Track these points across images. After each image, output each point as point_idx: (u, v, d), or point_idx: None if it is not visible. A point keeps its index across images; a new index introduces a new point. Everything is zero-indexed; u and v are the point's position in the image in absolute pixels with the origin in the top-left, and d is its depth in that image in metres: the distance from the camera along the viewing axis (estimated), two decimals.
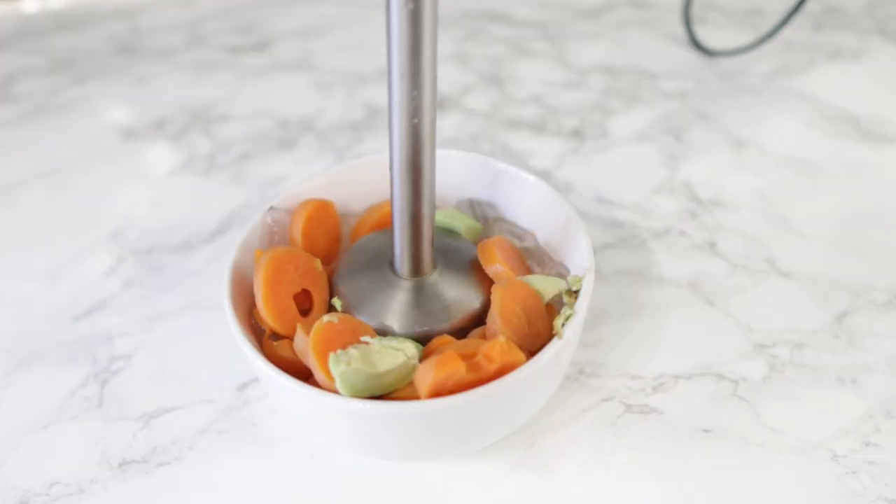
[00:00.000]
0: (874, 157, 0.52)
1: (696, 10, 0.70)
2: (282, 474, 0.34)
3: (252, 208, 0.50)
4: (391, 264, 0.34)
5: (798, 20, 0.68)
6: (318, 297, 0.35)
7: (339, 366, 0.28)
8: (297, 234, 0.37)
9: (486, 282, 0.35)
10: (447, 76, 0.64)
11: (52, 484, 0.34)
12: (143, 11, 0.77)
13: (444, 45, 0.69)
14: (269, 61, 0.68)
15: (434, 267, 0.34)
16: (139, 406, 0.38)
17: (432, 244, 0.33)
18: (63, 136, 0.59)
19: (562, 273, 0.36)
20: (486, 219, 0.40)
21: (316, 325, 0.30)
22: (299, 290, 0.34)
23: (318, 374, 0.30)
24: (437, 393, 0.28)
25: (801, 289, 0.42)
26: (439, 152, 0.40)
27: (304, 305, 0.34)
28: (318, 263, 0.35)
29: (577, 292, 0.33)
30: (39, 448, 0.36)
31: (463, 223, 0.38)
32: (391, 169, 0.30)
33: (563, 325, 0.31)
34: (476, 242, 0.37)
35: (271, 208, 0.37)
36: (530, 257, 0.38)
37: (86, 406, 0.38)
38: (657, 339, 0.39)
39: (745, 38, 0.66)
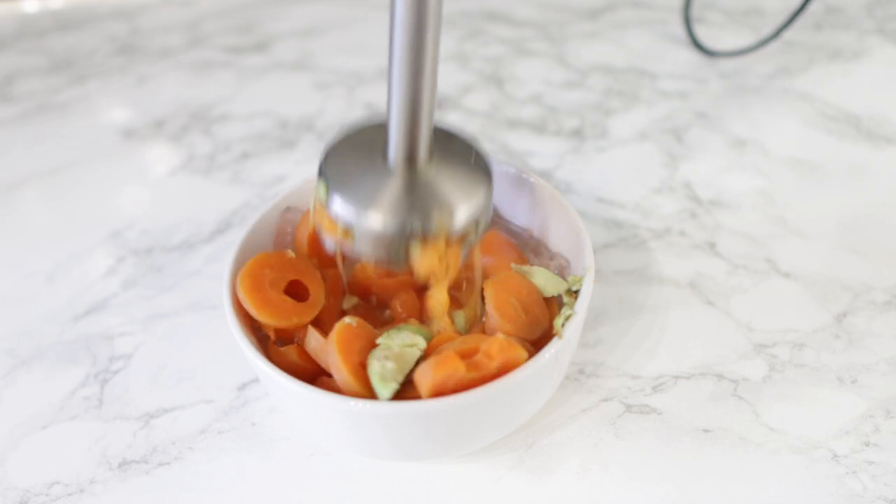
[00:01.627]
0: (874, 157, 0.52)
1: (696, 10, 0.70)
2: (282, 474, 0.34)
3: (252, 208, 0.50)
4: (384, 154, 0.31)
5: (798, 20, 0.68)
6: (312, 284, 0.35)
7: (379, 363, 0.29)
8: (303, 239, 0.37)
9: (485, 178, 0.32)
10: (447, 76, 0.64)
11: (52, 484, 0.34)
12: (142, 11, 0.77)
13: (445, 45, 0.69)
14: (268, 61, 0.68)
15: (431, 159, 0.31)
16: (139, 406, 0.38)
17: (429, 135, 0.30)
18: (63, 136, 0.59)
19: (562, 264, 0.36)
20: None
21: (337, 327, 0.31)
22: (286, 283, 0.34)
23: (341, 373, 0.30)
24: (438, 392, 0.28)
25: (801, 289, 0.42)
26: None
27: (303, 296, 0.34)
28: (290, 253, 0.35)
29: (577, 292, 0.33)
30: (39, 448, 0.36)
31: None
32: (390, 46, 0.28)
33: (563, 325, 0.31)
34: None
35: (288, 209, 0.37)
36: (528, 250, 0.38)
37: (86, 406, 0.38)
38: (657, 339, 0.39)
39: (745, 38, 0.66)
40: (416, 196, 0.30)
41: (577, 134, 0.56)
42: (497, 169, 0.39)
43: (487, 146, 0.55)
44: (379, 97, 0.62)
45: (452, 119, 0.58)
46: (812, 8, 0.70)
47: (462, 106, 0.60)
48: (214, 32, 0.73)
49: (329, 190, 0.31)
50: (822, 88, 0.60)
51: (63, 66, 0.68)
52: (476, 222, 0.32)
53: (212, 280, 0.45)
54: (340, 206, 0.30)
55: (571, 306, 0.32)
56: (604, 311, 0.41)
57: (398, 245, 0.30)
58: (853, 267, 0.43)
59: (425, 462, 0.34)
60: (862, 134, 0.55)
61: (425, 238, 0.30)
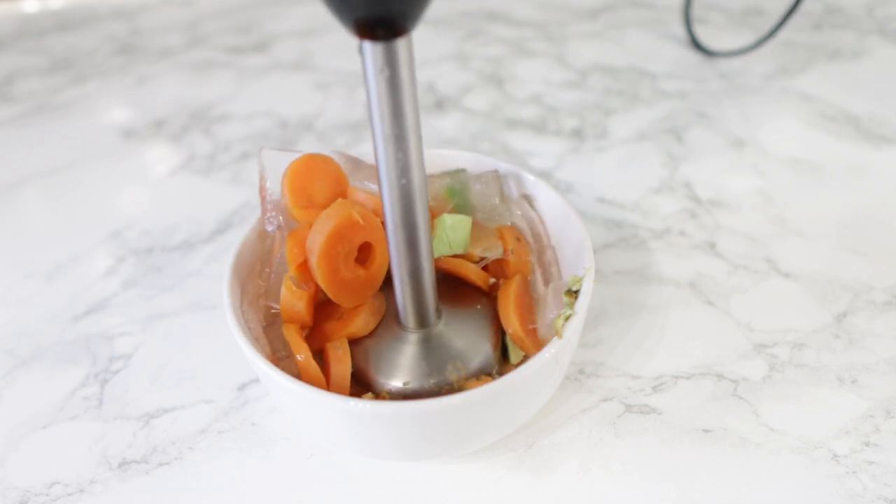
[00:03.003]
0: (874, 157, 0.52)
1: (696, 10, 0.70)
2: (282, 474, 0.34)
3: (252, 208, 0.50)
4: (396, 317, 0.34)
5: (798, 20, 0.68)
6: (377, 242, 0.34)
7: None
8: (287, 191, 0.34)
9: (493, 324, 0.35)
10: (447, 76, 0.64)
11: (52, 484, 0.34)
12: (142, 11, 0.77)
13: (445, 45, 0.69)
14: (268, 61, 0.68)
15: (439, 317, 0.34)
16: (139, 406, 0.38)
17: (435, 295, 0.33)
18: (63, 136, 0.59)
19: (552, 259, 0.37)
20: None
21: None
22: (355, 253, 0.33)
23: None
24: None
25: (801, 289, 0.42)
26: (440, 152, 0.40)
27: (365, 255, 0.34)
28: (356, 215, 0.33)
29: (577, 292, 0.33)
30: (39, 448, 0.36)
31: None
32: (386, 227, 0.30)
33: (563, 325, 0.31)
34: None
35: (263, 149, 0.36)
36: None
37: (86, 406, 0.38)
38: (657, 339, 0.39)
39: (745, 38, 0.66)
40: (431, 355, 0.33)
41: (577, 134, 0.56)
42: (496, 168, 0.40)
43: (487, 146, 0.55)
44: None
45: (452, 119, 0.58)
46: (812, 8, 0.70)
47: (462, 106, 0.60)
48: (214, 32, 0.73)
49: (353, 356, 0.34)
50: (821, 88, 0.60)
51: (63, 66, 0.68)
52: (485, 370, 0.34)
53: (212, 280, 0.45)
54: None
55: (571, 306, 0.32)
56: (604, 311, 0.41)
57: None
58: (853, 267, 0.43)
59: (425, 462, 0.34)
60: (862, 134, 0.55)
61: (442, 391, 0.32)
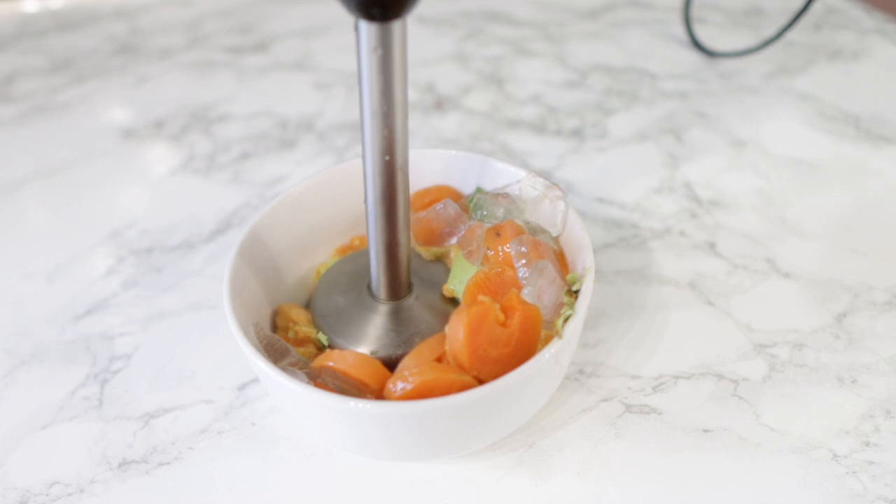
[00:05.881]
0: (874, 157, 0.52)
1: (696, 11, 0.70)
2: (281, 474, 0.34)
3: (252, 208, 0.50)
4: (369, 287, 0.35)
5: (799, 21, 0.68)
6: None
7: None
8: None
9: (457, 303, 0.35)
10: (447, 76, 0.64)
11: (52, 484, 0.34)
12: (142, 11, 0.77)
13: (445, 45, 0.69)
14: (269, 61, 0.68)
15: (410, 290, 0.35)
16: (139, 406, 0.38)
17: (408, 270, 0.34)
18: (63, 136, 0.59)
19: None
20: None
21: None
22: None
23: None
24: (474, 333, 0.30)
25: (801, 289, 0.42)
26: (440, 152, 0.40)
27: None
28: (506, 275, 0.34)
29: (577, 292, 0.33)
30: (39, 448, 0.36)
31: None
32: (366, 201, 0.31)
33: (563, 325, 0.31)
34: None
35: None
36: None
37: (86, 406, 0.38)
38: (657, 339, 0.39)
39: (745, 38, 0.66)
40: (400, 327, 0.34)
41: (577, 134, 0.56)
42: (497, 169, 0.40)
43: (487, 146, 0.55)
44: None
45: (452, 119, 0.58)
46: (812, 8, 0.70)
47: (462, 106, 0.60)
48: (214, 32, 0.73)
49: (321, 326, 0.35)
50: (821, 88, 0.60)
51: (63, 66, 0.68)
52: None
53: (212, 280, 0.45)
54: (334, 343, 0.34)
55: (571, 306, 0.32)
56: (604, 311, 0.41)
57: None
58: (853, 267, 0.43)
59: (425, 462, 0.34)
60: (862, 134, 0.55)
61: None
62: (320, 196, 0.39)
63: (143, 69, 0.67)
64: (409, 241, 0.33)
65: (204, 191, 0.52)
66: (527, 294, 0.32)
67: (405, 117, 0.28)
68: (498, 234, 0.35)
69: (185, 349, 0.40)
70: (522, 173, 0.39)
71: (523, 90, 0.62)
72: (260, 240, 0.37)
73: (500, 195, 0.38)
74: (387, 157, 0.29)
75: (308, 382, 0.30)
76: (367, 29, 0.25)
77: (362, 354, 0.32)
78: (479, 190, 0.40)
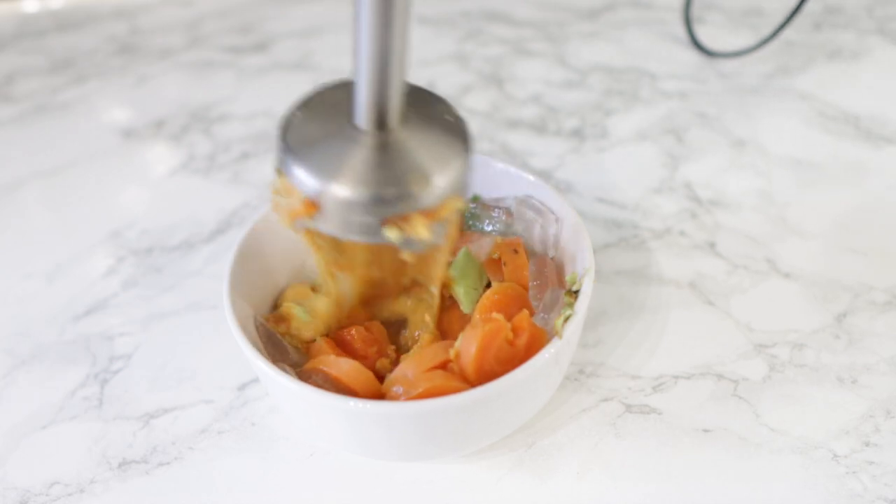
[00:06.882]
0: (874, 157, 0.52)
1: (696, 11, 0.70)
2: (281, 474, 0.34)
3: (252, 208, 0.50)
4: (351, 115, 0.28)
5: (798, 20, 0.68)
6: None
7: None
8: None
9: (463, 143, 0.29)
10: (447, 76, 0.64)
11: (52, 484, 0.34)
12: (142, 11, 0.77)
13: (444, 44, 0.69)
14: (269, 61, 0.68)
15: (404, 122, 0.28)
16: (139, 406, 0.38)
17: (401, 93, 0.27)
18: (63, 136, 0.59)
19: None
20: None
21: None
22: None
23: None
24: (485, 351, 0.30)
25: (801, 289, 0.42)
26: None
27: None
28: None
29: (577, 292, 0.33)
30: (39, 448, 0.36)
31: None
32: None
33: (563, 325, 0.31)
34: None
35: None
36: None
37: (86, 406, 0.38)
38: (657, 339, 0.39)
39: (745, 37, 0.66)
40: (390, 162, 0.27)
41: (577, 134, 0.56)
42: (497, 169, 0.40)
43: (487, 146, 0.55)
44: None
45: None
46: (812, 8, 0.70)
47: (462, 106, 0.60)
48: (214, 32, 0.73)
49: (290, 158, 0.27)
50: (821, 88, 0.60)
51: (63, 66, 0.68)
52: (456, 191, 0.28)
53: (212, 280, 0.45)
54: (304, 176, 0.27)
55: (571, 306, 0.32)
56: (604, 311, 0.41)
57: (372, 217, 0.27)
58: (853, 267, 0.43)
59: (425, 462, 0.34)
60: (862, 134, 0.55)
61: (401, 208, 0.27)
62: None
63: (143, 69, 0.67)
64: (406, 53, 0.26)
65: (204, 191, 0.52)
66: (538, 319, 0.33)
67: None
68: (515, 252, 0.36)
69: (185, 349, 0.40)
70: (523, 175, 0.39)
71: (523, 90, 0.62)
72: (260, 240, 0.37)
73: (497, 208, 0.38)
74: None
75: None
76: None
77: (357, 364, 0.31)
78: (475, 198, 0.39)
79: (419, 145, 0.28)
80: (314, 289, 0.37)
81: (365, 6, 0.24)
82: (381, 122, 0.27)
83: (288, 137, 0.28)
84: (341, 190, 0.26)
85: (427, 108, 0.30)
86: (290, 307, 0.36)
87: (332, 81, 0.30)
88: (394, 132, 0.28)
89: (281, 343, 0.34)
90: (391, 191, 0.27)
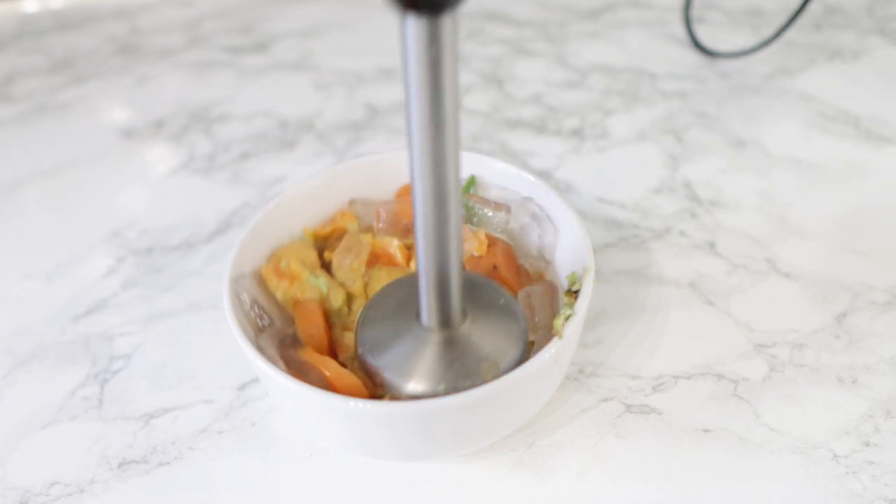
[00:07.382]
0: (874, 157, 0.52)
1: (696, 10, 0.70)
2: (281, 474, 0.34)
3: (252, 208, 0.50)
4: (418, 315, 0.31)
5: (798, 20, 0.68)
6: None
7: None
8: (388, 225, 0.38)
9: (515, 324, 0.33)
10: None
11: (52, 484, 0.34)
12: (142, 11, 0.77)
13: None
14: (269, 61, 0.68)
15: (465, 316, 0.31)
16: (139, 406, 0.38)
17: (461, 295, 0.30)
18: (63, 136, 0.59)
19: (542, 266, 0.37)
20: None
21: None
22: None
23: None
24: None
25: (801, 289, 0.42)
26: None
27: None
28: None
29: (577, 292, 0.33)
30: (39, 448, 0.36)
31: None
32: (415, 219, 0.27)
33: (563, 325, 0.31)
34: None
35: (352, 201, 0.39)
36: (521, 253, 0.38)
37: (86, 406, 0.38)
38: (657, 339, 0.39)
39: (745, 37, 0.66)
40: (460, 357, 0.30)
41: (577, 134, 0.56)
42: (497, 169, 0.40)
43: (487, 146, 0.55)
44: (379, 97, 0.62)
45: None
46: (812, 8, 0.70)
47: (462, 106, 0.60)
48: (214, 32, 0.73)
49: (369, 358, 0.32)
50: (821, 88, 0.60)
51: (63, 66, 0.68)
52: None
53: (212, 280, 0.45)
54: (384, 381, 0.31)
55: (571, 306, 0.32)
56: (604, 311, 0.41)
57: None
58: (853, 267, 0.43)
59: (425, 462, 0.34)
60: (862, 134, 0.55)
61: None
62: (320, 196, 0.39)
63: (143, 69, 0.67)
64: (462, 265, 0.29)
65: (204, 191, 0.52)
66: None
67: (457, 128, 0.25)
68: (495, 268, 0.36)
69: (185, 349, 0.40)
70: (522, 174, 0.39)
71: (523, 90, 0.62)
72: (260, 240, 0.37)
73: (495, 203, 0.38)
74: (439, 171, 0.26)
75: (286, 371, 0.30)
76: (417, 25, 0.22)
77: (355, 378, 0.31)
78: (472, 181, 0.39)
79: (482, 337, 0.31)
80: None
81: (422, 238, 0.27)
82: (445, 323, 0.31)
83: (366, 337, 0.32)
84: (418, 387, 0.30)
85: (480, 294, 0.33)
86: (301, 271, 0.36)
87: (397, 281, 0.35)
88: (457, 328, 0.31)
89: (261, 312, 0.34)
90: (467, 383, 0.30)
